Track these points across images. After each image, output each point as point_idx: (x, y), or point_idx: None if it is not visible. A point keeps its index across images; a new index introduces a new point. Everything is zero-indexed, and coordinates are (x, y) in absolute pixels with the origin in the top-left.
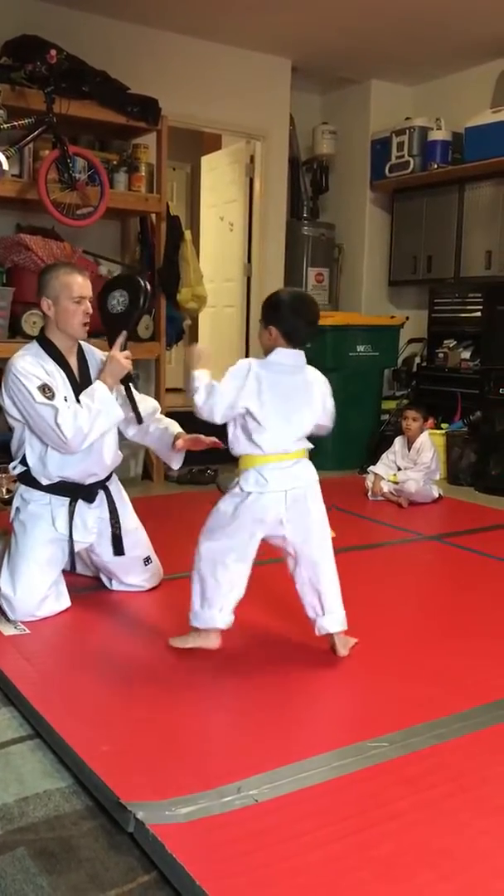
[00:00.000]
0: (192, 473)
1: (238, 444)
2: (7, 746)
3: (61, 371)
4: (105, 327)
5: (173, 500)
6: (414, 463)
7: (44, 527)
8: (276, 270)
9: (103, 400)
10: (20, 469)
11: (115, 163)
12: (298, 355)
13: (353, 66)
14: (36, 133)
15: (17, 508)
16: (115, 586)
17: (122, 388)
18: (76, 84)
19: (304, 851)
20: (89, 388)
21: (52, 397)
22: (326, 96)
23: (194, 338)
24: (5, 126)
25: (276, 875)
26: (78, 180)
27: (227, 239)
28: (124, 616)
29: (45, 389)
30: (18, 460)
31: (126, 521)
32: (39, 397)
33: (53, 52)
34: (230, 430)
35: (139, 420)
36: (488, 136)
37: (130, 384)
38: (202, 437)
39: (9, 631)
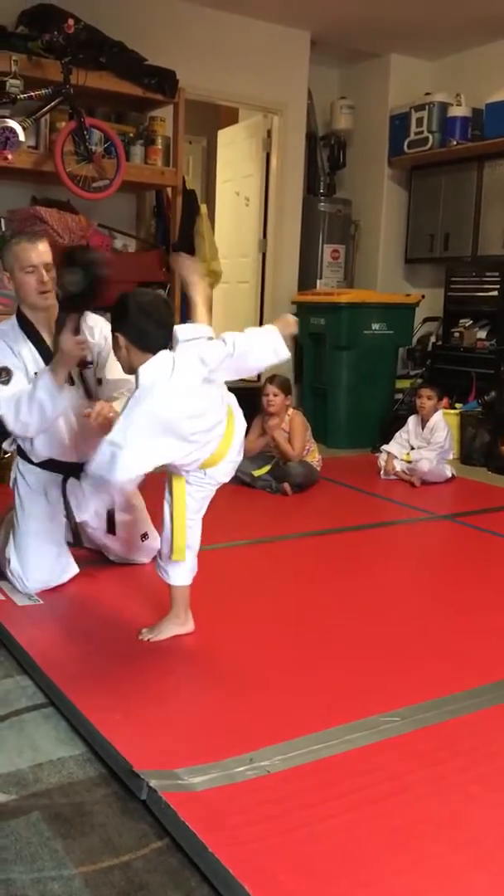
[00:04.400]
0: None
1: None
2: (21, 714)
3: (33, 348)
4: (61, 307)
5: None
6: (427, 442)
7: (40, 501)
8: (292, 246)
9: (44, 389)
10: (11, 445)
11: (131, 135)
12: (162, 357)
13: (373, 39)
14: (52, 104)
15: (15, 479)
16: (113, 558)
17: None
18: (93, 55)
19: (316, 821)
20: (38, 375)
21: (6, 381)
22: (345, 70)
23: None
24: (22, 96)
25: (288, 843)
26: (94, 153)
27: (243, 214)
28: (136, 587)
29: (2, 373)
30: (12, 438)
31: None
32: None
33: (71, 21)
34: None
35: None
36: None
37: (86, 370)
38: None
39: (22, 602)
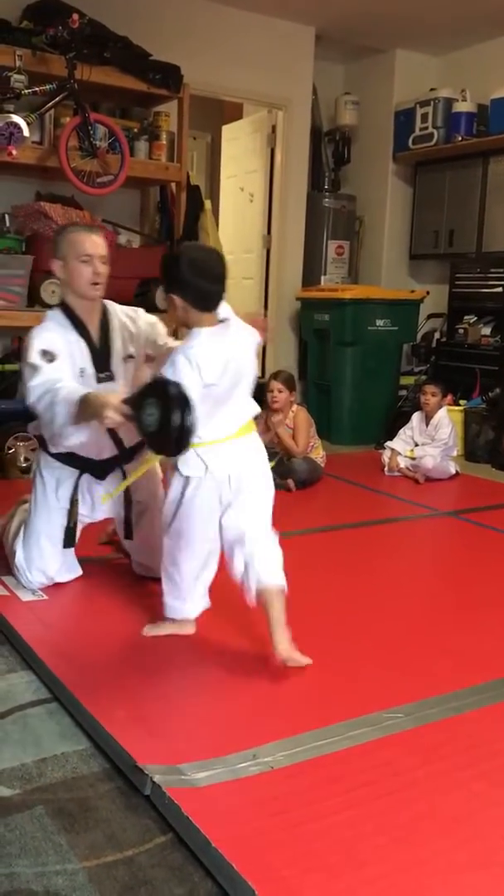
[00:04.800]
0: None
1: None
2: (25, 709)
3: (81, 341)
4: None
5: None
6: (431, 439)
7: (52, 497)
8: (296, 242)
9: (65, 408)
10: (36, 430)
11: (135, 131)
12: (222, 328)
13: (378, 34)
14: (57, 99)
15: (35, 472)
16: (137, 569)
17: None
18: (98, 50)
19: (320, 817)
20: (75, 393)
21: (50, 360)
22: (350, 66)
23: None
24: (26, 92)
25: (291, 839)
26: (98, 148)
27: (247, 210)
28: (142, 584)
29: (46, 353)
30: (38, 422)
31: (143, 498)
32: (33, 357)
33: (76, 16)
34: None
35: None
36: None
37: (127, 363)
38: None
39: (27, 597)
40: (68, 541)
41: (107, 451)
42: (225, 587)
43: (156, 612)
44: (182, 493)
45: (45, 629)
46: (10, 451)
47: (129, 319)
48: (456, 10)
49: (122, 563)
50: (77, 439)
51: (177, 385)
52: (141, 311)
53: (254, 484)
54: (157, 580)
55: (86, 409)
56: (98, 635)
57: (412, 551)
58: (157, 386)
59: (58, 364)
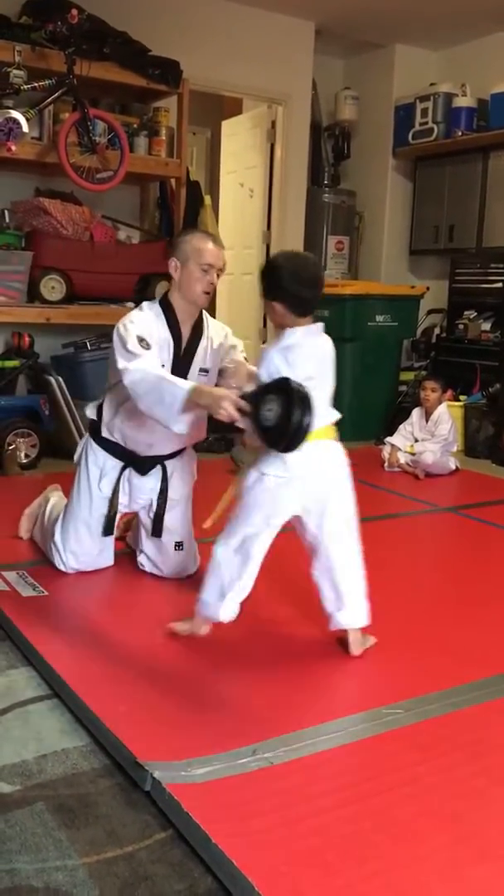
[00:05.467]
0: (209, 442)
1: None
2: (26, 705)
3: (171, 341)
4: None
5: None
6: (431, 434)
7: (94, 486)
8: (296, 238)
9: (171, 392)
10: (92, 413)
11: (135, 126)
12: (314, 329)
13: (378, 29)
14: (56, 95)
15: (80, 458)
16: (142, 564)
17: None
18: (97, 45)
19: (320, 813)
20: (184, 382)
21: (147, 348)
22: (349, 60)
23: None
24: (25, 87)
25: (291, 835)
26: (98, 144)
27: (247, 205)
28: (145, 581)
29: (142, 341)
30: (96, 404)
31: (176, 496)
32: (132, 342)
33: (75, 11)
34: None
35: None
36: None
37: (200, 377)
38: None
39: (27, 592)
40: (108, 529)
41: (153, 449)
42: None
43: (156, 608)
44: (253, 487)
45: (45, 625)
46: (10, 448)
47: (216, 335)
48: (456, 4)
49: (123, 560)
50: (180, 428)
51: (301, 385)
52: (229, 330)
53: (338, 494)
54: (161, 578)
55: (198, 399)
56: (98, 631)
57: (412, 547)
58: (281, 384)
59: (153, 352)
